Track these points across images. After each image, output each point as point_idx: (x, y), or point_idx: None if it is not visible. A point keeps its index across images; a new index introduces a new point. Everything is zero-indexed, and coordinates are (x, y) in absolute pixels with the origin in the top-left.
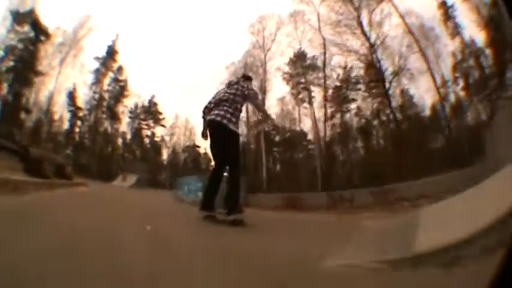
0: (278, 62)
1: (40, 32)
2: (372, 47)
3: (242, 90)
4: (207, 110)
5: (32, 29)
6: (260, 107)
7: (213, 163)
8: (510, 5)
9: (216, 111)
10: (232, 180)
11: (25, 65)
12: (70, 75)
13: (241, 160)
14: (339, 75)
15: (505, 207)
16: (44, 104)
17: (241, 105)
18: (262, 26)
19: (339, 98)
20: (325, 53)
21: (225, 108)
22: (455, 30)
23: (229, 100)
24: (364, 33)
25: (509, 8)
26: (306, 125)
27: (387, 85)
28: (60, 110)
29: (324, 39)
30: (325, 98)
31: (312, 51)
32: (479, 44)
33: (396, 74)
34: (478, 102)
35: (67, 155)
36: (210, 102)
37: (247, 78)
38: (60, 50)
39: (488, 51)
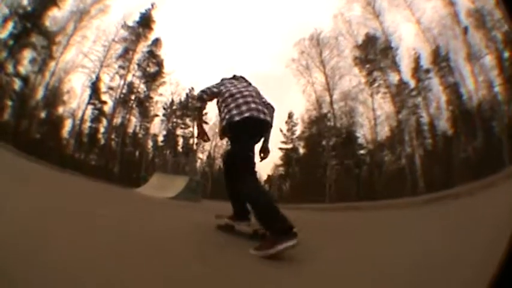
0: None
1: None
2: None
3: None
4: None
5: None
6: None
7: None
8: (510, 5)
9: (253, 105)
10: None
11: (32, 25)
12: (90, 47)
13: None
14: None
15: None
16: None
17: None
18: None
19: None
20: None
21: (257, 100)
22: None
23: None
24: None
25: (509, 8)
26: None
27: None
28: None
29: None
30: None
31: None
32: None
33: None
34: None
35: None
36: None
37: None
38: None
39: None
